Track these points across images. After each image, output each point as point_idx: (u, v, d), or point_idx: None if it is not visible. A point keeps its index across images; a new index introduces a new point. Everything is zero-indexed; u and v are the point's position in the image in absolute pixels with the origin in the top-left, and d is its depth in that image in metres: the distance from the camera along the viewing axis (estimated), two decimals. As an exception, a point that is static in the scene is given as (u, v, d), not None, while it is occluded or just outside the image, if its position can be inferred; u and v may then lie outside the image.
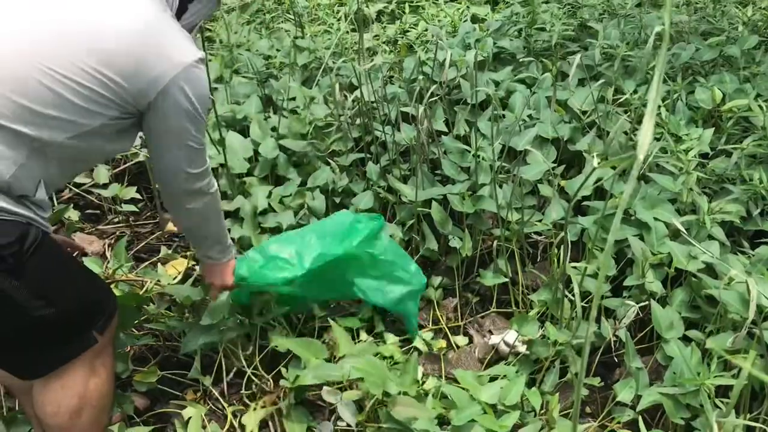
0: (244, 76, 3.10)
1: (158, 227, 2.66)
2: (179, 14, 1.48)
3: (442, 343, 2.15)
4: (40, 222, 1.34)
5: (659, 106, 2.48)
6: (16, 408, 1.85)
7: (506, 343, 2.04)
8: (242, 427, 1.81)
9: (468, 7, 3.93)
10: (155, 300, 2.11)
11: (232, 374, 1.99)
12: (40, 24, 1.30)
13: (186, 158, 1.51)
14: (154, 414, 1.92)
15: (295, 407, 1.82)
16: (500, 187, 2.26)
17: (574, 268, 1.97)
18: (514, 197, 2.19)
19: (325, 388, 1.76)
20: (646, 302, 1.87)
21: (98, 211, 2.76)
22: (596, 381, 1.86)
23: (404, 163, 2.49)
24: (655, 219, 2.02)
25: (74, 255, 1.86)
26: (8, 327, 1.36)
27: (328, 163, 2.49)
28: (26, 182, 1.30)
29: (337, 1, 4.28)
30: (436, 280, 2.33)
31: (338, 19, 3.94)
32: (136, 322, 2.03)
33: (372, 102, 2.58)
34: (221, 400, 1.92)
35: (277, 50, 3.36)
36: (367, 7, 3.92)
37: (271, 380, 1.93)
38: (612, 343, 1.94)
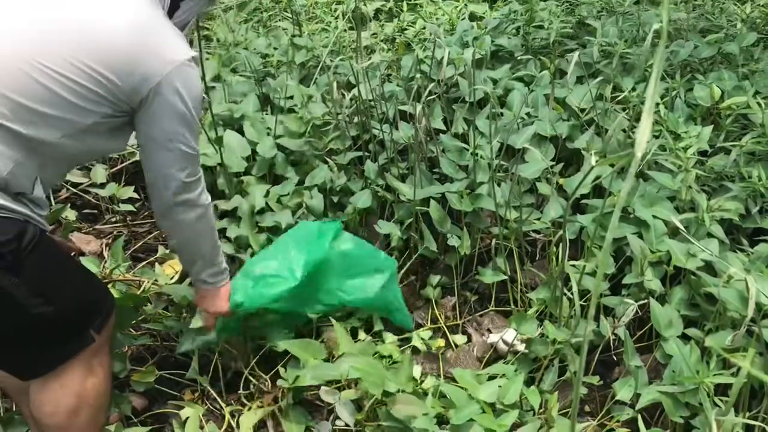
0: (241, 75, 3.09)
1: (156, 227, 2.65)
2: (171, 12, 1.48)
3: (441, 342, 2.14)
4: (38, 220, 1.36)
5: (658, 104, 2.47)
6: (13, 409, 1.84)
7: (505, 342, 2.04)
8: (240, 427, 1.80)
9: (466, 5, 3.91)
10: (152, 300, 2.10)
11: (230, 374, 1.98)
12: (36, 23, 1.32)
13: (176, 162, 1.47)
14: (152, 414, 1.92)
15: (294, 407, 1.82)
16: (499, 185, 2.26)
17: (573, 266, 1.96)
18: (512, 195, 2.19)
19: (323, 387, 1.75)
20: (645, 300, 1.87)
21: (95, 211, 2.75)
22: (595, 379, 1.85)
23: (402, 162, 2.49)
24: (654, 217, 2.02)
25: (72, 255, 1.86)
26: (8, 325, 1.36)
27: (326, 162, 2.48)
28: (23, 180, 1.32)
29: (334, -1, 4.28)
30: (435, 278, 2.33)
31: (336, 18, 3.93)
32: (133, 322, 2.03)
33: (370, 100, 2.58)
34: (219, 400, 1.92)
35: (275, 49, 3.35)
36: (365, 5, 3.92)
37: (268, 380, 1.93)
38: (611, 341, 1.94)
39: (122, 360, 1.92)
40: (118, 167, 2.81)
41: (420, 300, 2.35)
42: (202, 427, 1.79)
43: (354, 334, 2.06)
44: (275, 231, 2.24)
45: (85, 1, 1.36)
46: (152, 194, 1.55)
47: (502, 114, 2.56)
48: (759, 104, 2.26)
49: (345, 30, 3.57)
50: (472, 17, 3.69)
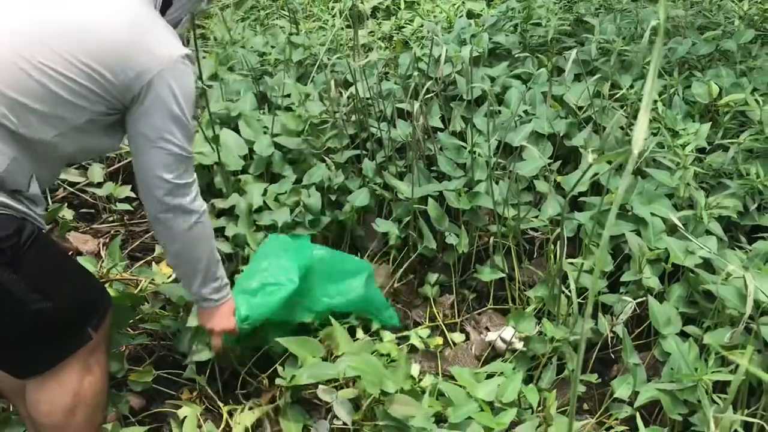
0: (238, 73, 3.08)
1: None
2: (164, 9, 1.48)
3: (439, 340, 2.14)
4: (35, 217, 1.37)
5: (656, 101, 2.47)
6: (10, 409, 1.83)
7: (503, 340, 2.03)
8: (239, 426, 1.80)
9: (463, 2, 3.90)
10: (150, 299, 2.10)
11: (227, 373, 1.98)
12: (32, 22, 1.33)
13: (167, 162, 1.45)
14: (150, 413, 1.91)
15: (292, 406, 1.81)
16: (496, 183, 2.25)
17: (571, 264, 1.96)
18: (510, 193, 2.18)
19: (320, 386, 1.75)
20: (644, 298, 1.87)
21: (93, 210, 2.74)
22: (593, 377, 1.85)
23: (400, 160, 2.48)
24: (652, 214, 2.02)
25: (70, 254, 1.85)
26: (6, 322, 1.37)
27: (323, 160, 2.47)
28: (19, 177, 1.33)
29: (332, -3, 4.27)
30: (433, 276, 2.32)
31: (333, 16, 3.93)
32: (131, 321, 2.02)
33: (367, 98, 2.57)
34: (217, 399, 1.91)
35: (272, 47, 3.34)
36: (362, 3, 3.91)
37: (266, 379, 1.92)
38: (609, 339, 1.93)
39: (120, 359, 1.91)
40: (115, 166, 2.80)
41: (418, 298, 2.35)
42: (199, 427, 1.79)
43: (352, 333, 2.06)
44: (273, 229, 2.24)
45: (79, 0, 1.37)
46: (143, 197, 1.52)
47: (499, 112, 2.55)
48: (757, 101, 2.26)
49: (342, 28, 3.57)
50: (470, 15, 3.68)
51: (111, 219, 2.69)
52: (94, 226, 2.65)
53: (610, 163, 2.14)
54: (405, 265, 2.30)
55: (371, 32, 3.61)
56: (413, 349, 2.08)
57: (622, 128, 2.43)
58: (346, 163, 2.49)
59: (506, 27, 3.25)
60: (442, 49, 2.39)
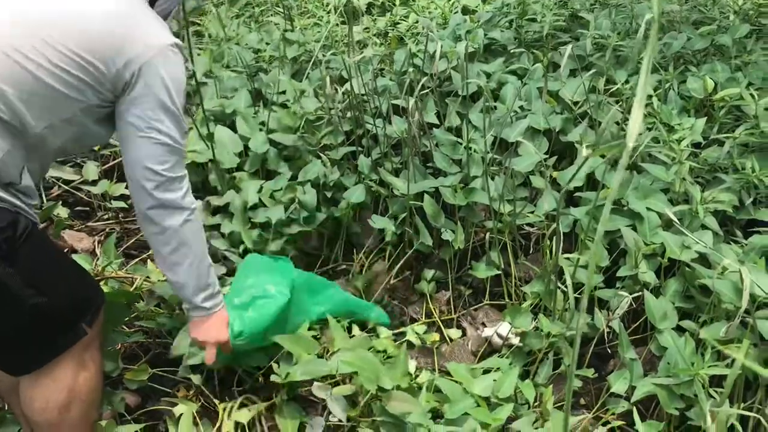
0: (233, 70, 3.07)
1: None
2: (153, 1, 1.49)
3: (435, 337, 2.14)
4: (28, 211, 1.37)
5: (651, 96, 2.47)
6: (5, 408, 1.83)
7: (499, 336, 2.03)
8: (234, 423, 1.79)
9: (458, -2, 3.90)
10: (145, 297, 2.09)
11: (223, 371, 1.97)
12: (22, 13, 1.34)
13: (157, 153, 1.43)
14: (146, 411, 1.91)
15: (288, 403, 1.81)
16: (492, 179, 2.25)
17: (567, 259, 1.96)
18: (506, 189, 2.18)
19: (315, 383, 1.74)
20: (640, 293, 1.87)
21: (88, 208, 2.73)
22: (590, 372, 1.85)
23: (396, 156, 2.48)
24: (648, 209, 2.02)
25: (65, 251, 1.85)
26: (4, 319, 1.37)
27: (319, 157, 2.47)
28: (12, 169, 1.33)
29: (326, -7, 4.25)
30: (429, 273, 2.32)
31: (328, 12, 3.91)
32: (126, 319, 2.01)
33: (363, 95, 2.56)
34: (212, 397, 1.91)
35: (267, 44, 3.33)
36: (357, -1, 3.90)
37: (262, 376, 1.92)
38: (606, 334, 1.93)
39: (115, 358, 1.90)
40: (110, 164, 2.79)
41: (414, 294, 2.35)
42: (196, 424, 1.78)
43: (349, 330, 2.06)
44: (268, 227, 2.23)
45: None
46: (133, 192, 1.49)
47: (495, 107, 2.55)
48: (752, 95, 2.26)
49: (337, 24, 3.56)
50: (465, 11, 3.68)
51: (106, 217, 2.68)
52: (89, 224, 2.64)
53: (603, 156, 2.14)
54: (401, 262, 2.30)
55: (366, 28, 3.60)
56: (410, 345, 2.08)
57: (617, 123, 2.42)
58: (341, 160, 2.49)
59: (501, 23, 3.25)
60: (437, 45, 2.38)
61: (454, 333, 2.18)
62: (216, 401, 1.89)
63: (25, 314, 1.38)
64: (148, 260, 2.34)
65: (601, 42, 2.86)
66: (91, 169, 2.61)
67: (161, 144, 1.43)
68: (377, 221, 2.27)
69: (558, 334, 1.85)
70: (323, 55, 2.98)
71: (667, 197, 2.08)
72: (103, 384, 1.64)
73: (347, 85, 2.49)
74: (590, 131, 2.42)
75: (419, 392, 1.74)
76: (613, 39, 2.71)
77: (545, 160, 2.31)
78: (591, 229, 1.96)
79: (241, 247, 2.22)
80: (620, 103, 2.53)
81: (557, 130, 2.44)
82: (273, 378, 1.76)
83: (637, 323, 1.99)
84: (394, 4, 3.97)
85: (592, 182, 2.26)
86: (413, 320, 2.25)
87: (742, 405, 1.62)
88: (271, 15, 3.98)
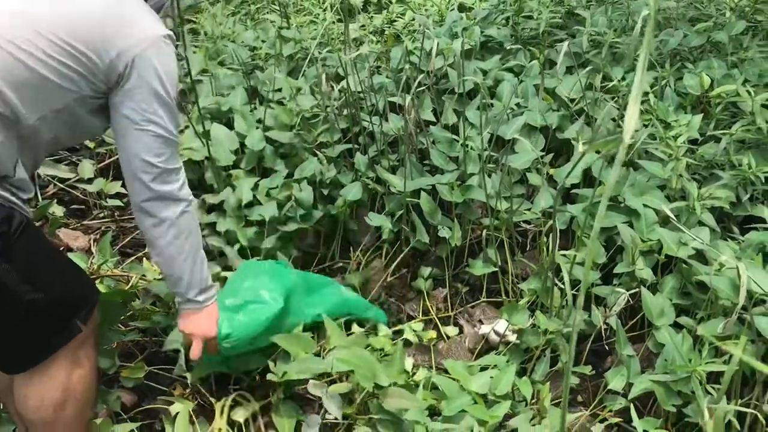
0: (229, 68, 3.06)
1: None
2: None
3: (432, 334, 2.14)
4: (22, 207, 1.37)
5: (647, 93, 2.47)
6: (0, 407, 1.82)
7: (496, 333, 2.03)
8: (230, 422, 1.79)
9: (455, -5, 3.89)
10: (140, 295, 2.08)
11: (220, 369, 1.97)
12: (14, 3, 1.34)
13: (152, 145, 1.43)
14: (142, 410, 1.90)
15: (284, 401, 1.81)
16: (489, 176, 2.24)
17: (564, 256, 1.96)
18: (502, 186, 2.18)
19: (311, 381, 1.74)
20: (637, 289, 1.87)
21: (83, 207, 2.72)
22: (587, 369, 1.85)
23: (392, 154, 2.47)
24: (645, 206, 2.01)
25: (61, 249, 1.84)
26: (1, 317, 1.36)
27: (315, 155, 2.46)
28: (6, 161, 1.32)
29: (323, -9, 4.24)
30: (426, 270, 2.32)
31: (324, 9, 3.91)
32: (122, 318, 2.01)
33: (359, 92, 2.56)
34: (209, 395, 1.90)
35: (263, 41, 3.32)
36: (354, -4, 3.89)
37: (259, 374, 1.91)
38: (603, 331, 1.93)
39: (111, 356, 1.90)
40: (106, 162, 2.78)
41: (411, 292, 2.35)
42: (192, 423, 1.78)
43: (347, 327, 2.05)
44: (263, 224, 2.22)
45: None
46: (129, 186, 1.49)
47: (491, 105, 2.54)
48: (748, 92, 2.26)
49: (333, 22, 3.55)
50: (461, 8, 3.67)
51: (101, 215, 2.67)
52: (85, 222, 2.64)
53: (598, 152, 2.14)
54: (398, 259, 2.30)
55: (362, 26, 3.60)
56: (407, 342, 2.07)
57: (614, 120, 2.42)
58: (338, 157, 2.48)
59: (498, 20, 3.24)
60: (433, 43, 2.38)
61: (451, 330, 2.18)
62: (212, 400, 1.88)
63: (21, 311, 1.37)
64: (144, 259, 2.34)
65: (598, 39, 2.86)
66: (87, 168, 2.60)
67: (157, 136, 1.43)
68: (374, 219, 2.26)
69: (555, 331, 1.85)
70: (319, 53, 2.98)
71: (664, 194, 2.08)
72: (98, 382, 1.64)
73: (344, 83, 2.48)
74: (587, 128, 2.42)
75: (416, 390, 1.74)
76: (609, 36, 2.71)
77: (542, 157, 2.31)
78: (588, 225, 1.95)
79: (236, 246, 2.21)
80: (617, 99, 2.52)
81: (554, 127, 2.44)
82: (269, 376, 1.75)
83: (635, 320, 1.99)
84: (391, 2, 3.96)
85: (589, 179, 2.26)
86: (410, 318, 2.25)
87: (739, 401, 1.62)
88: (267, 12, 3.97)
